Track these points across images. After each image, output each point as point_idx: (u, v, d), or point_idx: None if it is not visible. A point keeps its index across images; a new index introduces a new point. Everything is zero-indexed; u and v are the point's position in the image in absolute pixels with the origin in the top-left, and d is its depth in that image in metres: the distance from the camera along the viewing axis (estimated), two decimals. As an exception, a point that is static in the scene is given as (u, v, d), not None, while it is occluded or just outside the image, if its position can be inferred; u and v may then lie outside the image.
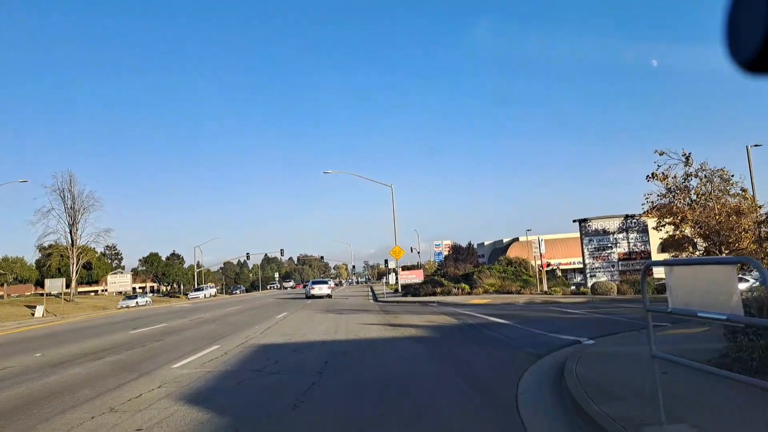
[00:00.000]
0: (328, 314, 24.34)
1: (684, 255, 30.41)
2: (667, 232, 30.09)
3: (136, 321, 27.01)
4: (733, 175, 28.22)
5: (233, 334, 16.88)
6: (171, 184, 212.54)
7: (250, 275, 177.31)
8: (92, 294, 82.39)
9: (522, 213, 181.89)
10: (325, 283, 47.44)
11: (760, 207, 27.01)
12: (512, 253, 67.04)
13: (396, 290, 45.82)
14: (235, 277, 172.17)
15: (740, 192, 28.50)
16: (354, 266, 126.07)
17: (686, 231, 28.54)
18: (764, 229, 26.99)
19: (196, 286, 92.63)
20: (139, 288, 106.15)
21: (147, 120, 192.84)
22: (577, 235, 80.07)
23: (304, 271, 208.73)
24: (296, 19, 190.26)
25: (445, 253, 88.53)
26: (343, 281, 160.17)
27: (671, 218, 28.19)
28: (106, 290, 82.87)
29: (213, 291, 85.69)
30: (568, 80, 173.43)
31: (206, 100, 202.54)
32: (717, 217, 26.98)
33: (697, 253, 29.93)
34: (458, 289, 33.34)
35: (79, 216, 64.08)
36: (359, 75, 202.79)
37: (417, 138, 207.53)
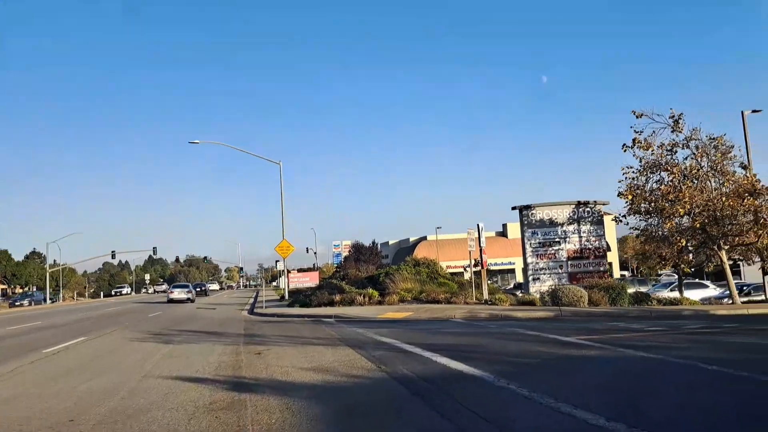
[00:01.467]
0: (145, 344, 14.29)
1: (667, 252, 23.06)
2: (643, 219, 22.55)
3: None
4: (732, 146, 21.08)
5: None
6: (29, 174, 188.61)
7: (130, 277, 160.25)
8: None
9: (432, 211, 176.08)
10: (186, 287, 48.84)
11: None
12: (420, 253, 59.25)
13: (282, 297, 35.94)
14: (110, 279, 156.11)
15: (741, 168, 21.48)
16: (242, 268, 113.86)
17: (671, 224, 21.05)
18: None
19: (48, 288, 77.82)
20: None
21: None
22: (493, 234, 74.03)
23: (191, 273, 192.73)
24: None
25: (345, 254, 78.69)
26: (233, 285, 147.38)
27: (657, 202, 20.58)
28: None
29: (41, 297, 72.56)
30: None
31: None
32: (721, 199, 19.65)
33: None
34: (364, 296, 24.16)
35: None
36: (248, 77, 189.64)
37: (321, 134, 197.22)
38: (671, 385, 7.37)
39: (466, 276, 40.47)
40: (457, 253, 63.55)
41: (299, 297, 29.08)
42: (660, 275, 62.86)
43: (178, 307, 36.01)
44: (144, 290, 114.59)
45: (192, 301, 44.36)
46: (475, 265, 25.39)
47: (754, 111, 22.90)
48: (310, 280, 48.61)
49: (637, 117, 21.64)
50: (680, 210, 19.31)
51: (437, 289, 25.13)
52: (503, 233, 73.71)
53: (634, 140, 21.08)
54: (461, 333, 14.53)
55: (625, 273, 73.23)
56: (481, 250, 23.70)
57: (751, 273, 33.77)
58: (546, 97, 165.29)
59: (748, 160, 21.50)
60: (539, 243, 27.10)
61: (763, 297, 22.85)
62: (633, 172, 21.80)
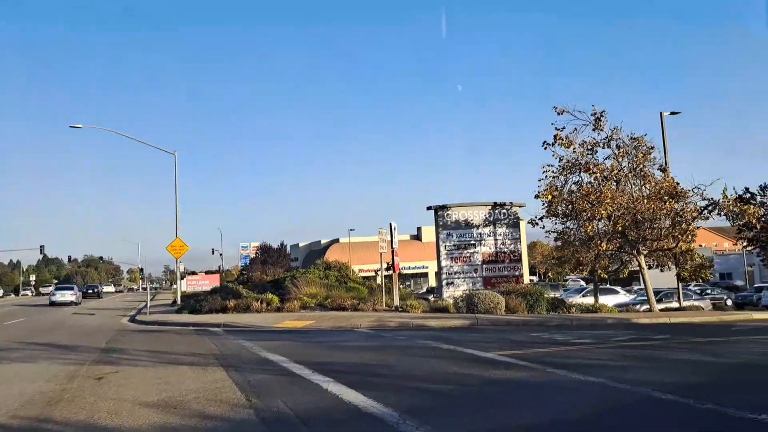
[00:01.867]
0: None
1: (585, 257, 22.07)
2: (561, 222, 21.45)
3: None
4: (653, 147, 20.34)
5: None
6: None
7: (21, 277, 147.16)
8: None
9: (347, 213, 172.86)
10: (71, 289, 45.75)
11: (689, 190, 19.23)
12: (332, 256, 56.91)
13: (174, 302, 32.50)
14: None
15: (659, 171, 20.79)
16: (142, 269, 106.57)
17: (591, 226, 20.01)
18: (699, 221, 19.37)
19: None
20: None
21: None
22: (407, 237, 72.81)
23: (89, 274, 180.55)
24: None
25: (253, 256, 75.02)
26: (135, 287, 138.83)
27: (577, 204, 19.44)
28: None
29: None
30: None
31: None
32: (643, 201, 18.75)
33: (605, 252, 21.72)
34: (262, 302, 21.54)
35: None
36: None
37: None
38: (630, 426, 5.57)
39: (379, 280, 38.70)
40: (370, 256, 61.71)
41: (190, 302, 25.97)
42: (566, 280, 64.06)
43: (51, 312, 31.78)
44: (25, 292, 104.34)
45: (77, 304, 41.33)
46: (387, 269, 23.45)
47: (672, 113, 22.49)
48: (210, 284, 45.20)
49: (558, 114, 20.53)
50: (602, 212, 18.23)
51: (344, 294, 22.95)
52: (417, 236, 72.79)
53: (555, 137, 19.90)
54: (365, 347, 12.43)
55: (534, 278, 74.26)
56: (393, 251, 21.78)
57: (653, 278, 33.83)
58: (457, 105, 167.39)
59: (666, 163, 20.93)
60: (454, 245, 25.56)
61: (676, 304, 22.45)
62: (553, 171, 20.63)
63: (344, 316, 18.35)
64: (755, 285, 45.76)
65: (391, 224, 22.32)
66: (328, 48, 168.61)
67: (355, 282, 32.51)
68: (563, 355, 10.23)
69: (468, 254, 25.51)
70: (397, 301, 20.90)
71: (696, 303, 24.25)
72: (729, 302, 38.46)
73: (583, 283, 53.91)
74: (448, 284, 25.23)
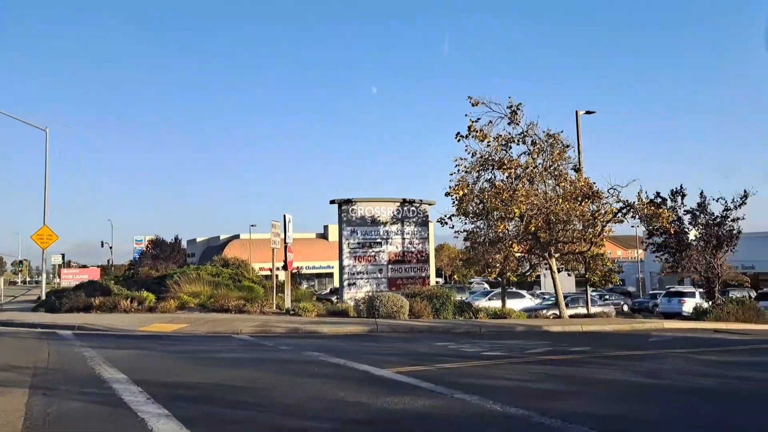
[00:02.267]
0: None
1: (494, 259, 20.80)
2: (471, 222, 20.10)
3: None
4: (568, 145, 19.38)
5: None
6: None
7: None
8: None
9: (250, 209, 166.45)
10: None
11: (605, 192, 18.33)
12: (230, 252, 53.70)
13: (38, 298, 28.50)
14: None
15: (573, 171, 19.87)
16: (21, 261, 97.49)
17: (504, 226, 18.74)
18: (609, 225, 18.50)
19: None
20: None
21: None
22: (314, 236, 70.37)
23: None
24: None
25: (145, 249, 69.74)
26: (17, 281, 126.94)
27: (490, 202, 18.09)
28: None
29: None
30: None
31: None
32: (558, 201, 17.64)
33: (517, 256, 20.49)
34: (132, 300, 18.55)
35: None
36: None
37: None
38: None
39: (281, 278, 36.29)
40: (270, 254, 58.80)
41: (51, 299, 22.41)
42: (471, 283, 63.97)
43: None
44: None
45: None
46: (283, 267, 21.13)
47: (588, 112, 21.77)
48: (90, 278, 40.72)
49: (473, 105, 19.08)
50: (515, 210, 16.91)
51: (231, 294, 20.38)
52: (324, 235, 70.59)
53: (469, 128, 18.44)
54: (237, 361, 10.17)
55: (440, 280, 74.00)
56: (286, 246, 19.51)
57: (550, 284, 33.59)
58: (374, 109, 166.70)
59: (580, 162, 20.09)
60: (359, 243, 23.60)
61: (583, 310, 21.73)
62: (466, 166, 19.17)
63: (225, 320, 15.87)
64: (650, 292, 47.35)
65: (285, 216, 20.06)
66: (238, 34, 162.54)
67: (252, 281, 29.93)
68: (475, 374, 8.49)
69: (373, 253, 23.65)
70: (288, 303, 18.63)
71: (603, 309, 23.75)
72: (626, 308, 39.34)
73: (487, 286, 53.74)
74: (350, 285, 23.23)
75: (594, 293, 35.72)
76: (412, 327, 15.06)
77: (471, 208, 19.70)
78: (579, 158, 20.42)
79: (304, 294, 28.47)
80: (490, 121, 18.60)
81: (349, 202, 23.75)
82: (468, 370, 8.81)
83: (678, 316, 31.01)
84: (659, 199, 20.48)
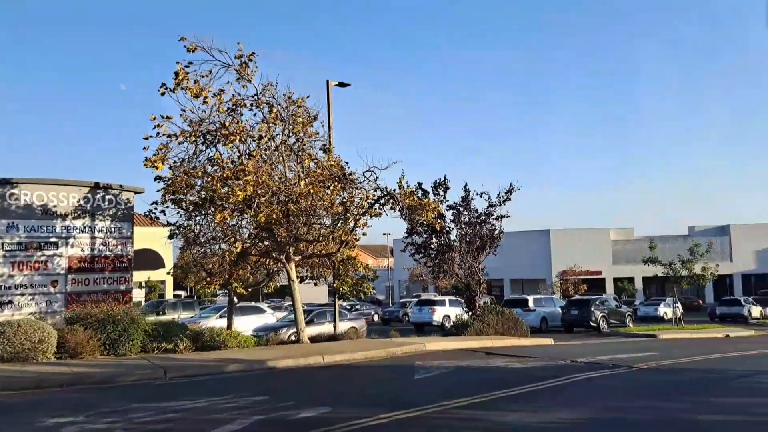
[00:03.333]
0: None
1: (214, 264, 15.30)
2: (185, 213, 14.53)
3: None
4: (316, 116, 15.01)
5: None
6: None
7: None
8: None
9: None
10: None
11: (361, 175, 14.17)
12: None
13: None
14: None
15: (322, 152, 15.51)
16: None
17: (224, 214, 13.45)
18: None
19: None
20: None
21: None
22: None
23: None
24: None
25: None
26: None
27: (208, 185, 12.78)
28: None
29: None
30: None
31: None
32: (299, 183, 12.99)
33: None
34: None
35: None
36: None
37: None
38: None
39: None
40: None
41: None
42: (217, 295, 56.89)
43: None
44: None
45: None
46: None
47: (341, 84, 17.70)
48: None
49: (189, 51, 13.61)
50: (240, 193, 11.77)
51: None
52: None
53: (176, 74, 12.88)
54: None
55: (182, 293, 65.25)
56: None
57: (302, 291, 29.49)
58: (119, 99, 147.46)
59: (330, 142, 15.88)
60: (20, 243, 16.24)
61: (330, 326, 17.44)
62: (175, 130, 13.52)
63: None
64: (399, 300, 46.34)
65: None
66: None
67: None
68: None
69: (44, 258, 16.44)
70: None
71: (353, 324, 19.84)
72: (377, 318, 37.21)
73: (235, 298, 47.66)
74: (2, 305, 15.81)
75: (345, 303, 32.65)
76: (40, 379, 8.83)
77: (187, 195, 14.14)
78: (330, 134, 16.21)
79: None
80: (210, 71, 13.30)
81: (7, 183, 16.25)
82: None
83: (428, 325, 29.30)
84: (420, 191, 17.24)
